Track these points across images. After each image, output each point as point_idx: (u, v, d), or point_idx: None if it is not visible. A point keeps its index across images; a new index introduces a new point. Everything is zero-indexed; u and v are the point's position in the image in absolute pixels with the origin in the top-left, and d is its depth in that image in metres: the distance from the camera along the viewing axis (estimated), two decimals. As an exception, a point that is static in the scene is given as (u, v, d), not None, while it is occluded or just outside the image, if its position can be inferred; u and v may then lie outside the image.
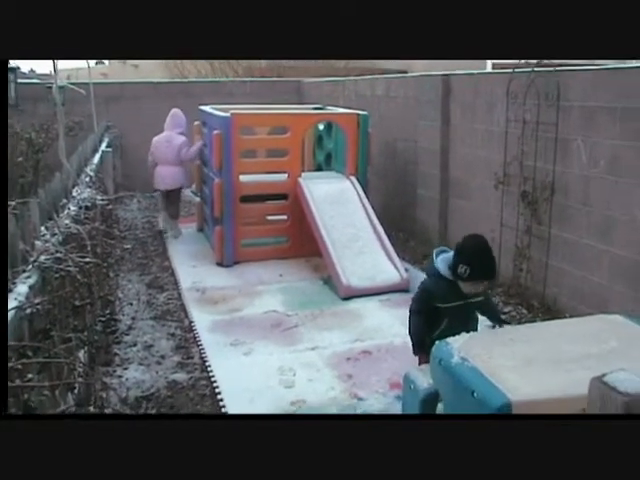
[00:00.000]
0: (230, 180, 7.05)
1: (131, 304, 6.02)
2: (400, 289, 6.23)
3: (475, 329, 3.85)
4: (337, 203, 7.03)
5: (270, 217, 7.84)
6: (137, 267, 7.23)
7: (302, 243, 7.26)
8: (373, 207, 7.16)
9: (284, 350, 5.04)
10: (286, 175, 7.37)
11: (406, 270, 6.51)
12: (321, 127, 8.53)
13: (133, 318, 5.67)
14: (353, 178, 7.40)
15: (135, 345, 5.13)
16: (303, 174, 7.43)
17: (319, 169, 8.60)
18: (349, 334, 5.33)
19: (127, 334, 5.32)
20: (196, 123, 8.50)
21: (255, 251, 7.38)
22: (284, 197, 7.43)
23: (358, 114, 7.57)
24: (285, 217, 7.53)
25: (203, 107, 8.28)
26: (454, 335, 3.03)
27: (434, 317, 3.80)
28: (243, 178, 7.19)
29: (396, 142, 8.61)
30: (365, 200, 7.17)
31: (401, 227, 8.25)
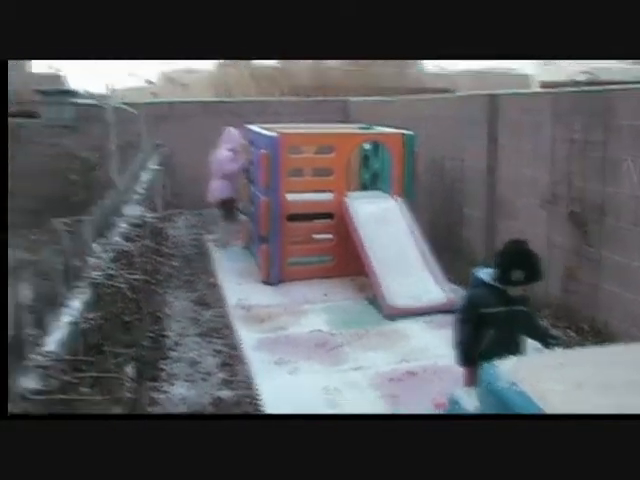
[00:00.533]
0: (277, 199, 7.11)
1: (178, 320, 6.09)
2: (446, 310, 6.14)
3: (522, 343, 3.82)
4: (382, 222, 7.02)
5: (316, 236, 7.86)
6: (184, 284, 7.32)
7: (347, 262, 7.26)
8: (419, 226, 7.13)
9: (329, 370, 5.04)
10: (332, 194, 7.40)
11: (452, 291, 6.45)
12: (367, 146, 8.54)
13: (179, 334, 5.74)
14: (399, 198, 7.39)
15: (181, 361, 5.18)
16: (349, 193, 7.46)
17: (365, 188, 8.60)
18: (394, 355, 5.31)
19: (173, 350, 5.38)
20: (244, 142, 8.60)
21: (300, 270, 7.41)
22: (330, 216, 7.45)
23: (404, 134, 7.58)
24: (330, 236, 7.55)
25: (250, 126, 8.39)
26: (502, 346, 3.00)
27: (480, 326, 3.77)
28: (289, 197, 7.25)
29: (442, 161, 8.58)
30: (411, 219, 7.15)
31: (447, 247, 8.17)
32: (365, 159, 8.71)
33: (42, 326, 2.55)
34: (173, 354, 5.31)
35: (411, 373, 4.94)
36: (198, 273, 7.79)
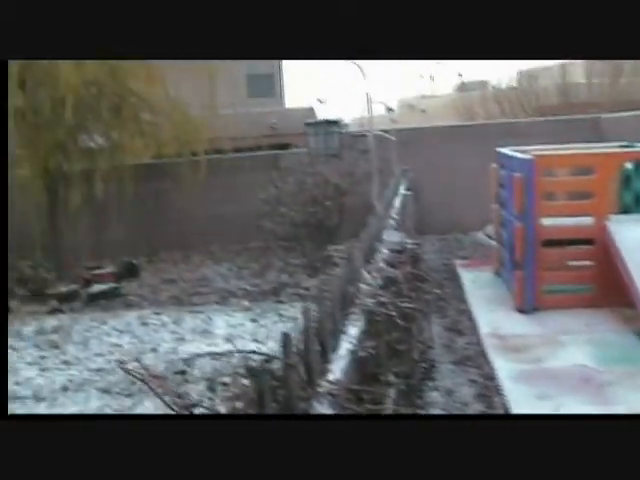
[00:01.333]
0: (531, 224, 6.82)
1: (432, 347, 6.04)
2: None
3: None
4: (652, 249, 6.42)
5: (573, 263, 7.43)
6: (435, 309, 7.27)
7: (609, 292, 6.72)
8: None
9: (597, 410, 4.65)
10: (591, 218, 6.94)
11: None
12: (629, 166, 7.91)
13: (435, 361, 5.67)
14: (669, 221, 6.73)
15: (437, 390, 5.11)
16: (611, 217, 6.94)
17: (626, 212, 7.96)
18: (673, 400, 4.77)
19: (430, 378, 5.32)
20: (493, 166, 8.41)
21: (557, 298, 7.03)
22: (589, 242, 6.99)
23: (672, 151, 6.91)
24: (590, 263, 7.08)
25: (501, 149, 8.19)
26: None
27: None
28: (545, 221, 6.93)
29: None
30: (686, 246, 6.45)
31: None
32: (626, 180, 8.08)
33: (325, 352, 2.59)
34: (430, 382, 5.25)
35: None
36: (448, 299, 7.72)
